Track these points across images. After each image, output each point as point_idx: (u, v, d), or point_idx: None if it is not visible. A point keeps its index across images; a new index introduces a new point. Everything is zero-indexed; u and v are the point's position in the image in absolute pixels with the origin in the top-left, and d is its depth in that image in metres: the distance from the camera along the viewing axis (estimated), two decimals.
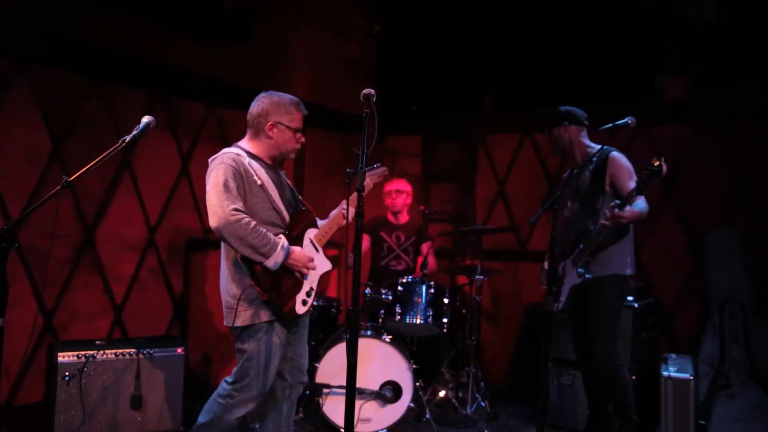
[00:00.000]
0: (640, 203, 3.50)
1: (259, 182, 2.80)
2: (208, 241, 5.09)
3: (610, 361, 3.67)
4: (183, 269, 4.92)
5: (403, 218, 5.22)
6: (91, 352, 3.87)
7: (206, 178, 2.77)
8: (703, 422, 4.20)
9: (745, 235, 4.78)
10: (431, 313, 4.41)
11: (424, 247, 5.17)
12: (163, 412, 4.03)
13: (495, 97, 5.97)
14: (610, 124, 3.57)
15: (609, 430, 3.98)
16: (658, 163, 3.11)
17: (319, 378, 4.18)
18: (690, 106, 4.96)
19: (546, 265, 3.96)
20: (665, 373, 3.97)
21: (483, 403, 4.71)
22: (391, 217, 5.21)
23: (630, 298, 4.29)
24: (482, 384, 4.78)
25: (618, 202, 3.37)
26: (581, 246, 3.62)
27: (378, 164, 3.53)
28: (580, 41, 5.26)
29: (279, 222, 2.87)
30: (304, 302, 2.93)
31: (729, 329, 4.53)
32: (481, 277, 4.71)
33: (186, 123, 4.95)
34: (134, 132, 2.75)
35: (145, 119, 2.76)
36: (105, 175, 4.48)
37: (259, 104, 2.95)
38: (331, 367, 4.15)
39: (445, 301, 4.53)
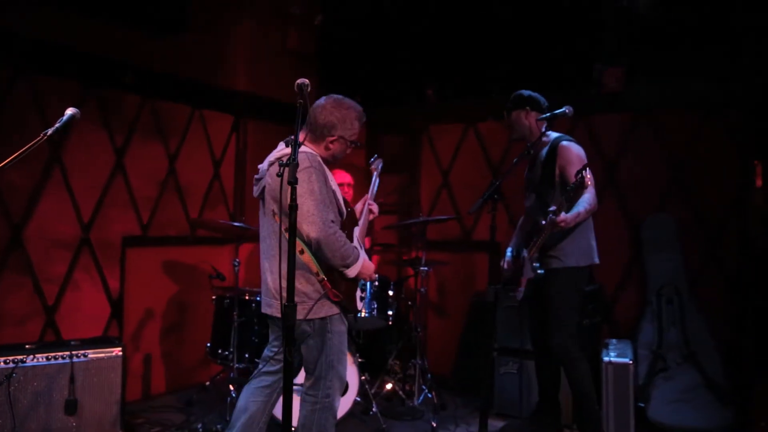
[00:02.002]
0: (583, 201, 3.46)
1: (333, 187, 2.85)
2: (146, 237, 4.95)
3: (568, 353, 3.66)
4: (120, 267, 4.77)
5: None
6: (20, 357, 3.71)
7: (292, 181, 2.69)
8: (642, 405, 4.27)
9: (682, 221, 4.83)
10: (376, 306, 4.37)
11: (367, 241, 5.13)
12: (100, 418, 3.89)
13: (437, 88, 5.95)
14: (548, 113, 3.62)
15: (556, 417, 4.03)
16: (580, 175, 3.15)
17: None
18: (627, 96, 5.01)
19: (509, 251, 3.95)
20: (606, 359, 4.01)
21: (430, 395, 4.69)
22: None
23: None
24: (429, 375, 4.76)
25: (553, 208, 3.35)
26: (534, 239, 3.62)
27: (374, 157, 3.60)
28: (520, 32, 5.26)
29: (339, 224, 2.90)
30: (362, 298, 3.18)
31: (666, 314, 4.58)
32: (426, 268, 4.69)
33: (120, 115, 4.78)
34: (57, 125, 2.60)
35: (69, 111, 2.63)
36: (33, 172, 4.29)
37: (327, 114, 2.90)
38: None
39: (390, 293, 4.51)
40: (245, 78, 5.56)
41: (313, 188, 2.73)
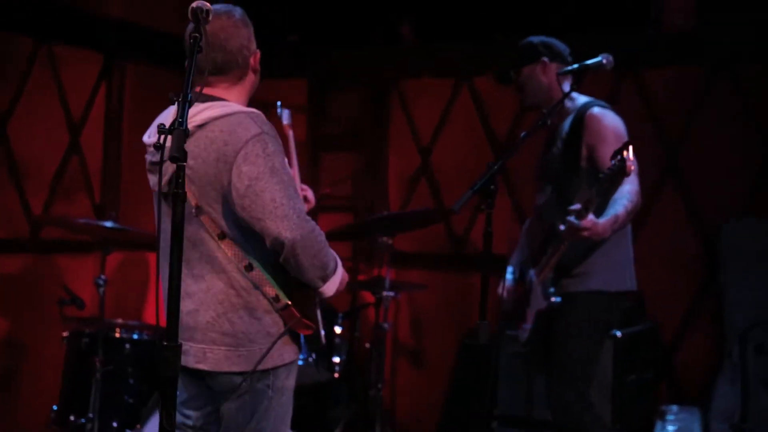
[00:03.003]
0: (621, 197, 3.46)
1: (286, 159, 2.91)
2: None
3: (581, 419, 3.65)
4: None
5: None
6: None
7: (232, 154, 2.75)
8: None
9: None
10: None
11: None
12: None
13: (416, 24, 5.93)
14: (576, 65, 3.52)
15: None
16: (619, 157, 3.12)
17: None
18: (697, 39, 5.01)
19: (509, 271, 3.96)
20: None
21: None
22: None
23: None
24: None
25: (577, 207, 3.30)
26: (547, 253, 3.61)
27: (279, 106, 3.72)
28: None
29: None
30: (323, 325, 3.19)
31: (755, 368, 4.58)
32: (392, 293, 4.61)
33: None
34: None
35: None
36: None
37: (233, 33, 2.90)
38: None
39: (337, 330, 4.52)
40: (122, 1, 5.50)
41: (274, 165, 2.74)
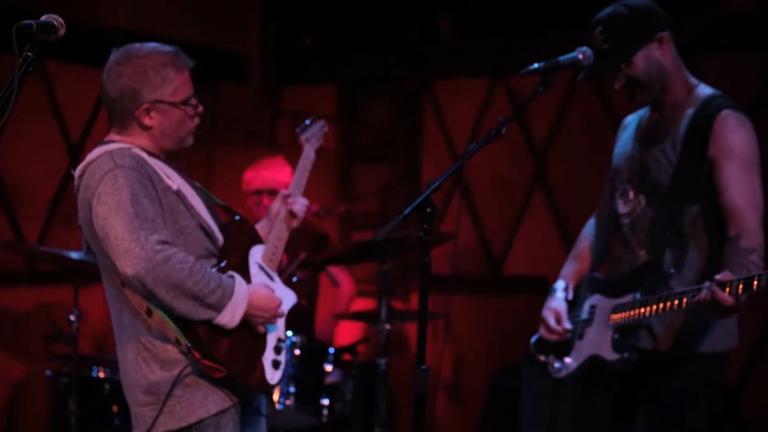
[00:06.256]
0: (752, 251, 3.05)
1: (174, 187, 2.89)
2: None
3: None
4: None
5: None
6: None
7: (91, 199, 2.79)
8: None
9: None
10: (295, 390, 4.23)
11: (337, 273, 5.21)
12: None
13: (455, 19, 5.85)
14: (542, 63, 2.88)
15: None
16: None
17: None
18: (763, 21, 4.81)
19: (559, 288, 3.46)
20: None
21: None
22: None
23: None
24: None
25: (729, 277, 2.78)
26: (636, 296, 3.16)
27: (311, 119, 3.63)
28: None
29: (211, 247, 2.96)
30: (276, 364, 3.06)
31: None
32: (388, 327, 4.41)
33: None
34: None
35: None
36: None
37: (115, 79, 2.90)
38: None
39: (328, 368, 4.39)
40: (127, 8, 5.54)
41: (121, 198, 2.70)
